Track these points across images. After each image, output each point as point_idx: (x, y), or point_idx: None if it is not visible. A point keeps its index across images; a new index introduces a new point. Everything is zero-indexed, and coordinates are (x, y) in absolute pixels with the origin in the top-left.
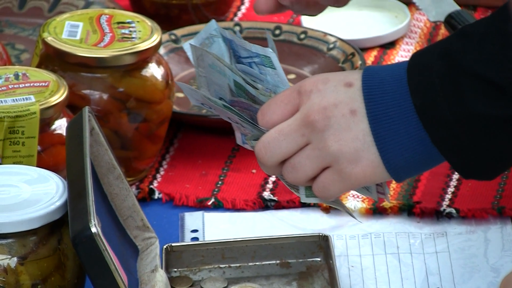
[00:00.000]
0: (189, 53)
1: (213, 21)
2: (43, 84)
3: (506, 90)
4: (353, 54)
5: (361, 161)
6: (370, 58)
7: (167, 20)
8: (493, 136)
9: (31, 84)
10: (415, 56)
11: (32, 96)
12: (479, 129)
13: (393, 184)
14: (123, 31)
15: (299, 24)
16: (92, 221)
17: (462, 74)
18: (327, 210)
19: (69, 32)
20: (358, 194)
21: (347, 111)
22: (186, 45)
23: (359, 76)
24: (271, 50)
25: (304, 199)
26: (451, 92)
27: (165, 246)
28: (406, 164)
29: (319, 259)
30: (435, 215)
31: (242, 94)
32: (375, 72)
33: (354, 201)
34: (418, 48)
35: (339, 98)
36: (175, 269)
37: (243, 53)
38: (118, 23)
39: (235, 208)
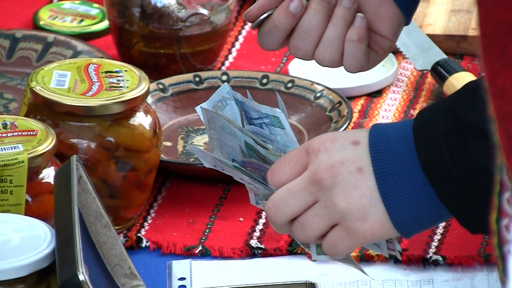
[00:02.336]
0: (201, 116)
1: (225, 84)
2: (31, 133)
3: None
4: (340, 103)
5: (368, 218)
6: (357, 106)
7: (155, 69)
8: None
9: (19, 133)
10: (421, 113)
11: (20, 145)
12: (486, 185)
13: None
14: (111, 80)
15: (286, 73)
16: (80, 269)
17: (468, 131)
18: None
19: (57, 81)
20: (369, 249)
21: (354, 168)
22: (198, 109)
23: (366, 134)
24: (280, 110)
25: (315, 257)
26: (457, 149)
27: None
28: (413, 220)
29: None
30: (422, 262)
31: (253, 154)
32: (381, 130)
33: None
34: (405, 97)
35: (346, 156)
36: None
37: (254, 114)
38: (106, 72)
39: (222, 256)
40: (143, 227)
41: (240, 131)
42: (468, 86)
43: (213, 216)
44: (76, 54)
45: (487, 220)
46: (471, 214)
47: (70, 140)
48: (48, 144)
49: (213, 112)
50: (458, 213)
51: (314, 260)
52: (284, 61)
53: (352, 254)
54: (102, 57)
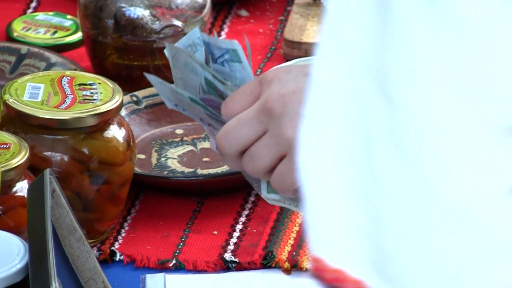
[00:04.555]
0: (167, 54)
1: (196, 29)
2: (4, 146)
3: None
4: None
5: None
6: None
7: (129, 81)
8: None
9: None
10: None
11: None
12: None
13: None
14: (84, 92)
15: None
16: (53, 283)
17: None
18: (288, 271)
19: (30, 94)
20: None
21: (304, 99)
22: (166, 46)
23: None
24: (237, 42)
25: (264, 195)
26: None
27: None
28: None
29: None
30: None
31: (212, 91)
32: None
33: None
34: None
35: (299, 87)
36: None
37: (217, 52)
38: (80, 84)
39: (196, 270)
40: (116, 240)
41: (201, 67)
42: None
43: (187, 230)
44: (49, 66)
45: None
46: None
47: (44, 153)
48: (21, 157)
49: (177, 48)
50: None
51: (263, 264)
52: (258, 73)
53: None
54: (75, 69)
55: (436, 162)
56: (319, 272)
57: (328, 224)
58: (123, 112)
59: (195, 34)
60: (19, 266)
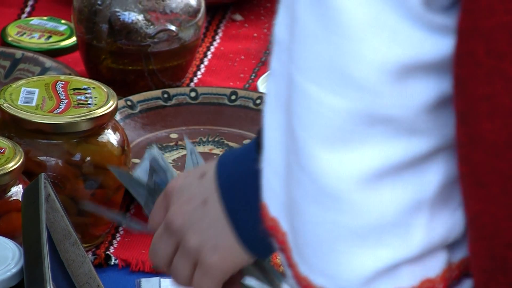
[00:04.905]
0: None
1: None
2: None
3: None
4: None
5: (219, 247)
6: None
7: (124, 85)
8: None
9: None
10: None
11: None
12: None
13: None
14: (79, 97)
15: (255, 89)
16: (48, 287)
17: None
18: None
19: (25, 99)
20: None
21: (198, 203)
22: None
23: (214, 163)
24: (155, 150)
25: None
26: None
27: None
28: (263, 236)
29: None
30: None
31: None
32: (227, 155)
33: None
34: None
35: (192, 193)
36: None
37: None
38: (74, 89)
39: None
40: (111, 244)
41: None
42: None
43: None
44: (44, 70)
45: None
46: None
47: (38, 157)
48: (16, 162)
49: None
50: None
51: None
52: (252, 77)
53: None
54: (70, 74)
55: (310, 144)
56: (263, 217)
57: (269, 172)
58: (117, 117)
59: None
60: (14, 270)
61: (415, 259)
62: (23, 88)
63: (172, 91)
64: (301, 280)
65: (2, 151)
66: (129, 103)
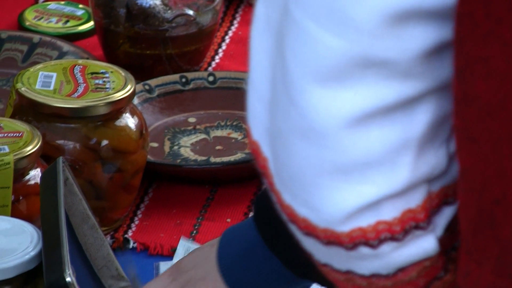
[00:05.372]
0: None
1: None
2: (17, 134)
3: None
4: None
5: None
6: None
7: (141, 70)
8: None
9: (5, 135)
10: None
11: (6, 147)
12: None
13: None
14: (96, 81)
15: None
16: (67, 270)
17: None
18: None
19: (42, 83)
20: None
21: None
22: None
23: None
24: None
25: None
26: None
27: None
28: None
29: None
30: None
31: None
32: (230, 231)
33: None
34: None
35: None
36: None
37: None
38: (92, 73)
39: None
40: (130, 228)
41: None
42: None
43: (200, 217)
44: (61, 55)
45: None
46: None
47: (56, 141)
48: (34, 145)
49: None
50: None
51: None
52: None
53: None
54: (87, 58)
55: (302, 79)
56: (248, 140)
57: (253, 96)
58: (135, 101)
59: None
60: (32, 253)
61: (398, 194)
62: (40, 72)
63: (190, 75)
64: (285, 208)
65: (20, 134)
66: (147, 87)
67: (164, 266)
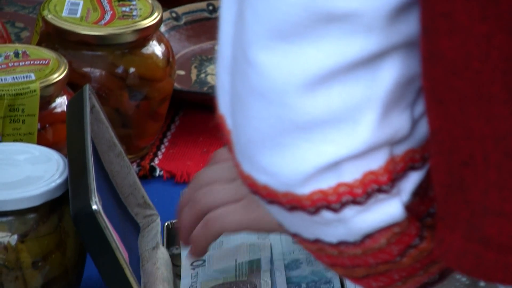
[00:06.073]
0: None
1: None
2: (43, 62)
3: None
4: None
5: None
6: None
7: None
8: None
9: (31, 62)
10: None
11: (32, 74)
12: None
13: None
14: (123, 9)
15: None
16: (93, 198)
17: None
18: None
19: (69, 10)
20: None
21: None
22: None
23: None
24: None
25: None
26: None
27: (166, 224)
28: None
29: None
30: None
31: None
32: None
33: None
34: None
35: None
36: (177, 247)
37: None
38: (119, 1)
39: None
40: (156, 156)
41: None
42: None
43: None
44: None
45: None
46: None
47: (83, 69)
48: (60, 73)
49: None
50: None
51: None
52: None
53: None
54: None
55: (261, 36)
56: (215, 115)
57: (221, 67)
58: (162, 29)
59: None
60: (58, 181)
61: (358, 155)
62: (67, 0)
63: (217, 3)
64: (245, 178)
65: (46, 62)
66: (174, 15)
67: None
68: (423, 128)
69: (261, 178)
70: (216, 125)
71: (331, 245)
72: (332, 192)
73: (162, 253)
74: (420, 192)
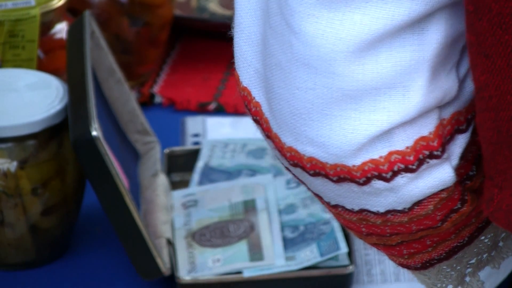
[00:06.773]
0: None
1: None
2: None
3: None
4: None
5: None
6: None
7: None
8: None
9: None
10: None
11: (32, 0)
12: None
13: None
14: None
15: None
16: (93, 125)
17: None
18: None
19: None
20: None
21: None
22: None
23: None
24: None
25: None
26: None
27: (166, 151)
28: None
29: None
30: None
31: None
32: None
33: None
34: None
35: None
36: (176, 173)
37: None
38: None
39: (237, 113)
40: (156, 83)
41: None
42: None
43: (227, 72)
44: None
45: None
46: None
47: None
48: None
49: None
50: None
51: None
52: None
53: None
54: None
55: (304, 11)
56: (237, 88)
57: (241, 39)
58: None
59: None
60: (58, 107)
61: (410, 121)
62: None
63: None
64: (286, 151)
65: None
66: None
67: (190, 121)
68: (468, 89)
69: (308, 150)
70: (217, 54)
71: (377, 214)
72: (383, 161)
73: (162, 180)
74: (464, 155)
